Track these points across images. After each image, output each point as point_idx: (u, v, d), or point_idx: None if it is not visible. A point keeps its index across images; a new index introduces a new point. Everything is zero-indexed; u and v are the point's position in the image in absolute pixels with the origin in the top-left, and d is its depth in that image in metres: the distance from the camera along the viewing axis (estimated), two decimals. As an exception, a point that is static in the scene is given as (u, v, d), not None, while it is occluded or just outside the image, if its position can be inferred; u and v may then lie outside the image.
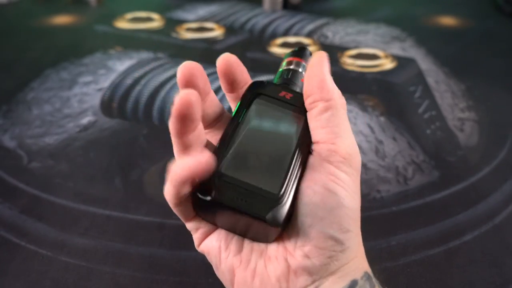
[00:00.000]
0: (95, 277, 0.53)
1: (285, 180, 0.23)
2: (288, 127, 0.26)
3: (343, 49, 1.12)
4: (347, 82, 0.96)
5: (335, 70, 1.00)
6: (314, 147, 0.24)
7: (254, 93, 0.27)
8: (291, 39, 1.18)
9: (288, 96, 0.27)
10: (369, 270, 0.24)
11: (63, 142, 0.77)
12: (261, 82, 0.28)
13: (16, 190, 0.67)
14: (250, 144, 0.25)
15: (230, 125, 0.26)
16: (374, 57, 1.07)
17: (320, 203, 0.22)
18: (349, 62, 1.04)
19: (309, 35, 1.22)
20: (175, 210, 0.24)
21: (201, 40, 1.19)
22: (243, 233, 0.24)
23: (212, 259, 0.25)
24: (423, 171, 0.70)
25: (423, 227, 0.60)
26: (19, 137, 0.79)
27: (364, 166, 0.71)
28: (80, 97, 0.91)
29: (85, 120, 0.83)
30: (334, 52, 1.10)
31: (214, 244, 0.25)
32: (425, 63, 1.05)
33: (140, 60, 1.05)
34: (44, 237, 0.58)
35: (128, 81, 0.95)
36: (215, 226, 0.25)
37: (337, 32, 1.25)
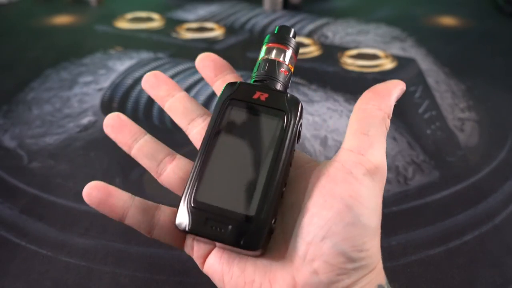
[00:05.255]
0: (95, 277, 0.53)
1: (261, 198, 0.22)
2: (262, 136, 0.23)
3: (343, 49, 1.12)
4: (347, 82, 0.96)
5: (335, 70, 1.01)
6: (341, 153, 0.23)
7: (226, 99, 0.25)
8: (291, 39, 1.18)
9: (263, 97, 0.24)
10: (383, 282, 0.22)
11: (64, 142, 0.77)
12: (234, 84, 0.25)
13: (16, 190, 0.67)
14: (222, 162, 0.23)
15: (203, 142, 0.24)
16: (374, 57, 1.07)
17: (336, 217, 0.21)
18: (349, 62, 1.04)
19: (309, 35, 1.22)
20: (154, 237, 0.25)
21: (201, 40, 1.19)
22: (233, 248, 0.23)
23: (217, 282, 0.24)
24: (423, 171, 0.70)
25: (423, 227, 0.60)
26: (19, 137, 0.79)
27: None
28: (80, 97, 0.91)
29: (85, 120, 0.83)
30: (334, 52, 1.10)
31: (216, 268, 0.24)
32: (425, 63, 1.05)
33: (140, 60, 1.05)
34: (44, 237, 0.58)
35: (128, 81, 0.95)
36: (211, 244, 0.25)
37: (337, 32, 1.25)
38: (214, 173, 0.23)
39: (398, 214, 0.62)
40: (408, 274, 0.53)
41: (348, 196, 0.21)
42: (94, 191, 0.25)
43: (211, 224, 0.22)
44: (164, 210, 0.26)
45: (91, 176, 0.68)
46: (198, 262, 0.25)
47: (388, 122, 0.24)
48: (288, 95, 0.25)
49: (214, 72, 0.29)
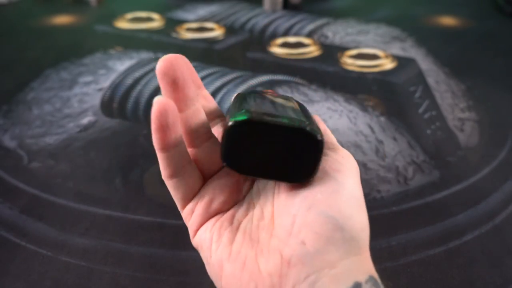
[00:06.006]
0: (95, 277, 0.53)
1: (306, 117, 0.23)
2: (285, 101, 0.26)
3: (343, 49, 1.12)
4: (347, 82, 0.96)
5: (335, 70, 1.01)
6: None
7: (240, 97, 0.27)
8: (291, 39, 1.18)
9: (274, 94, 0.29)
10: (375, 275, 0.21)
11: (63, 142, 0.78)
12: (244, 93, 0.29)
13: (16, 190, 0.67)
14: (259, 103, 0.25)
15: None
16: (374, 57, 1.07)
17: (320, 186, 0.22)
18: (349, 62, 1.04)
19: (309, 35, 1.22)
20: (161, 160, 0.23)
21: (201, 40, 1.19)
22: (277, 169, 0.23)
23: (204, 252, 0.24)
24: (423, 171, 0.70)
25: (423, 227, 0.60)
26: (19, 137, 0.79)
27: (364, 166, 0.71)
28: (80, 97, 0.91)
29: (85, 120, 0.83)
30: (334, 52, 1.10)
31: (207, 236, 0.24)
32: (425, 63, 1.05)
33: (140, 60, 1.05)
34: (44, 237, 0.58)
35: (128, 81, 0.95)
36: (244, 174, 0.23)
37: (337, 32, 1.25)
38: (254, 104, 0.24)
39: (398, 214, 0.62)
40: (408, 274, 0.53)
41: (331, 169, 0.22)
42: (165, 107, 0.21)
43: (271, 117, 0.22)
44: (205, 151, 0.25)
45: (91, 176, 0.68)
46: (191, 230, 0.25)
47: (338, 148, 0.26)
48: None
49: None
